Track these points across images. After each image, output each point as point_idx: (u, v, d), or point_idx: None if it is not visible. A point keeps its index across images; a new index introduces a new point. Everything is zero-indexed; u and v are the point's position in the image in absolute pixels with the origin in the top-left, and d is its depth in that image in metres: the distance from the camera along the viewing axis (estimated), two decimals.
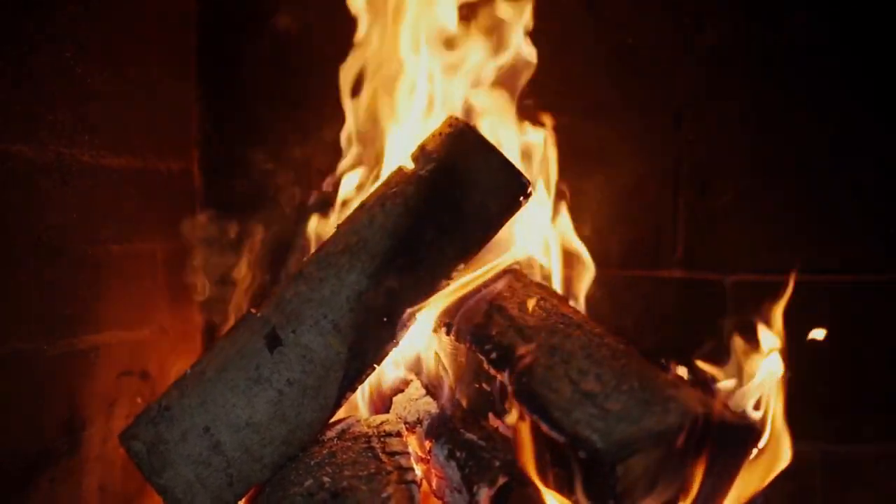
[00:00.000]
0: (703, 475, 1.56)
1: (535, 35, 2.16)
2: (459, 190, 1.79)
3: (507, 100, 2.12)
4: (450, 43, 2.14)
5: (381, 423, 1.84)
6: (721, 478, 1.61)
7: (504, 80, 2.13)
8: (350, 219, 1.83)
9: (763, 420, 1.74)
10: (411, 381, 2.00)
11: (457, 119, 1.85)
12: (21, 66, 1.82)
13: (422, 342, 1.99)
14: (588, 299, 2.11)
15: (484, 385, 1.78)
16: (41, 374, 1.91)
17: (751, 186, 2.31)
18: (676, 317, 2.32)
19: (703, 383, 1.82)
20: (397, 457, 1.69)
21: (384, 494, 1.56)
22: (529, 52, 2.13)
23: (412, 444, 1.86)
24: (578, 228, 2.14)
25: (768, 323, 1.91)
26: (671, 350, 1.90)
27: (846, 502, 2.29)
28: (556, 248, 2.12)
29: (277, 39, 2.47)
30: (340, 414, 1.85)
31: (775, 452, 1.72)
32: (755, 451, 1.67)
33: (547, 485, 1.60)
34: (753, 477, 1.69)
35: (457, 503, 1.73)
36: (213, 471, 1.71)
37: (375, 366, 1.79)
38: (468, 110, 2.11)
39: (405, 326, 1.78)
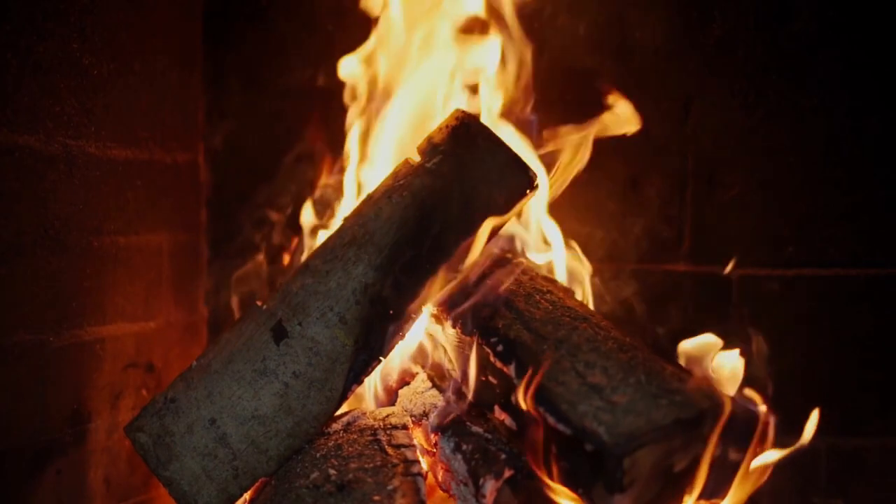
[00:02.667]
0: (709, 467, 1.56)
1: (541, 29, 2.16)
2: (466, 183, 1.78)
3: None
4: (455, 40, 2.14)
5: (387, 415, 1.84)
6: (728, 470, 1.60)
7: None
8: (356, 211, 1.83)
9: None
10: (417, 373, 2.00)
11: (463, 112, 1.85)
12: (27, 58, 1.82)
13: (428, 335, 1.99)
14: (594, 293, 2.11)
15: (490, 377, 1.78)
16: (47, 366, 1.91)
17: (758, 180, 2.30)
18: (682, 310, 2.32)
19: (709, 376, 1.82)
20: (403, 449, 1.69)
21: (390, 487, 1.56)
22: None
23: (418, 436, 1.86)
24: (585, 222, 2.14)
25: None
26: (677, 343, 1.90)
27: (852, 495, 2.29)
28: (560, 241, 2.11)
29: (285, 30, 2.47)
30: (346, 407, 1.85)
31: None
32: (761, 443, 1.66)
33: (553, 478, 1.60)
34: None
35: (462, 496, 1.73)
36: (219, 463, 1.72)
37: (382, 358, 1.79)
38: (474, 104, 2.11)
39: (411, 319, 1.78)
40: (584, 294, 2.10)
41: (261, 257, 2.44)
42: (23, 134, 1.83)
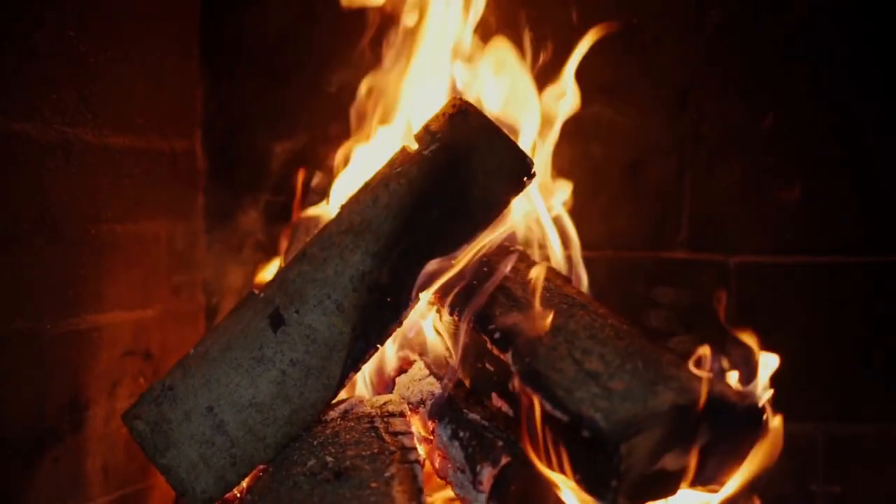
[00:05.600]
0: (706, 455, 1.56)
1: (540, 16, 2.15)
2: (463, 171, 1.78)
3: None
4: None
5: (385, 403, 1.84)
6: (726, 458, 1.60)
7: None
8: (354, 199, 1.83)
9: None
10: (414, 361, 2.00)
11: (461, 100, 1.84)
12: (24, 45, 1.82)
13: (425, 322, 1.99)
14: (592, 280, 2.11)
15: (487, 365, 1.78)
16: (44, 354, 1.91)
17: (756, 167, 2.30)
18: (680, 298, 2.32)
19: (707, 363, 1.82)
20: (400, 437, 1.69)
21: (387, 474, 1.56)
22: None
23: (415, 424, 1.86)
24: (583, 209, 2.14)
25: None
26: (675, 331, 1.90)
27: (848, 482, 2.30)
28: (557, 228, 2.11)
29: (283, 17, 2.46)
30: (343, 394, 1.85)
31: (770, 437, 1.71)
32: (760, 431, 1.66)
33: (549, 465, 1.60)
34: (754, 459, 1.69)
35: (460, 483, 1.73)
36: (217, 450, 1.72)
37: (379, 346, 1.79)
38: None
39: (409, 306, 1.78)
40: (580, 281, 2.10)
41: (259, 245, 2.44)
42: (19, 121, 1.82)
